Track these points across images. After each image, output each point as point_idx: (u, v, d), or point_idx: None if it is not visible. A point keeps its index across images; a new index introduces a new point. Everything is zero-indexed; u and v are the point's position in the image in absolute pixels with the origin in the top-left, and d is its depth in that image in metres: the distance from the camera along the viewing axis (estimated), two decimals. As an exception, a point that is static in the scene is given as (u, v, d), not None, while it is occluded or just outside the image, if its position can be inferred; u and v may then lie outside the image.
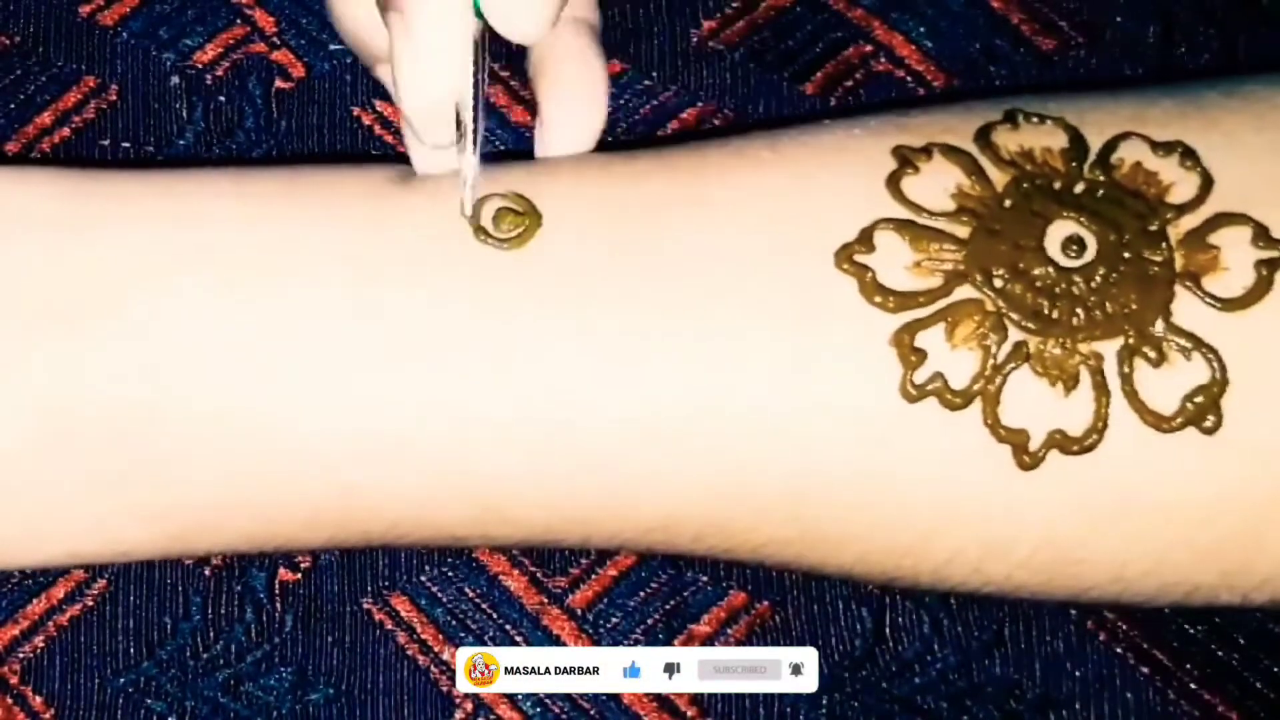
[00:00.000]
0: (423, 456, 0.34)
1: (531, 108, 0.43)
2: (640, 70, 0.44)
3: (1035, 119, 0.35)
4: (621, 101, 0.44)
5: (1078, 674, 0.39)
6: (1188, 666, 0.39)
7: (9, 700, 0.38)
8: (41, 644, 0.39)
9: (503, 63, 0.44)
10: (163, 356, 0.33)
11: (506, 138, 0.43)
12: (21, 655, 0.39)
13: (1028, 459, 0.33)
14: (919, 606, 0.39)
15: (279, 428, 0.34)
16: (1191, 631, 0.39)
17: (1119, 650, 0.39)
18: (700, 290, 0.34)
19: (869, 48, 0.44)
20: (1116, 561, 0.35)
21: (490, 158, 0.43)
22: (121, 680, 0.39)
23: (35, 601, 0.39)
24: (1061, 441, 0.33)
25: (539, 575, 0.40)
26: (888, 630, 0.39)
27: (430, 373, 0.34)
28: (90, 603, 0.39)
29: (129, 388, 0.33)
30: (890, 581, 0.36)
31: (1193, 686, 0.39)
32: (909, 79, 0.44)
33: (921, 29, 0.44)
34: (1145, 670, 0.39)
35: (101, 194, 0.35)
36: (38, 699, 0.39)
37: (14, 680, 0.39)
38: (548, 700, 0.39)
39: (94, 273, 0.34)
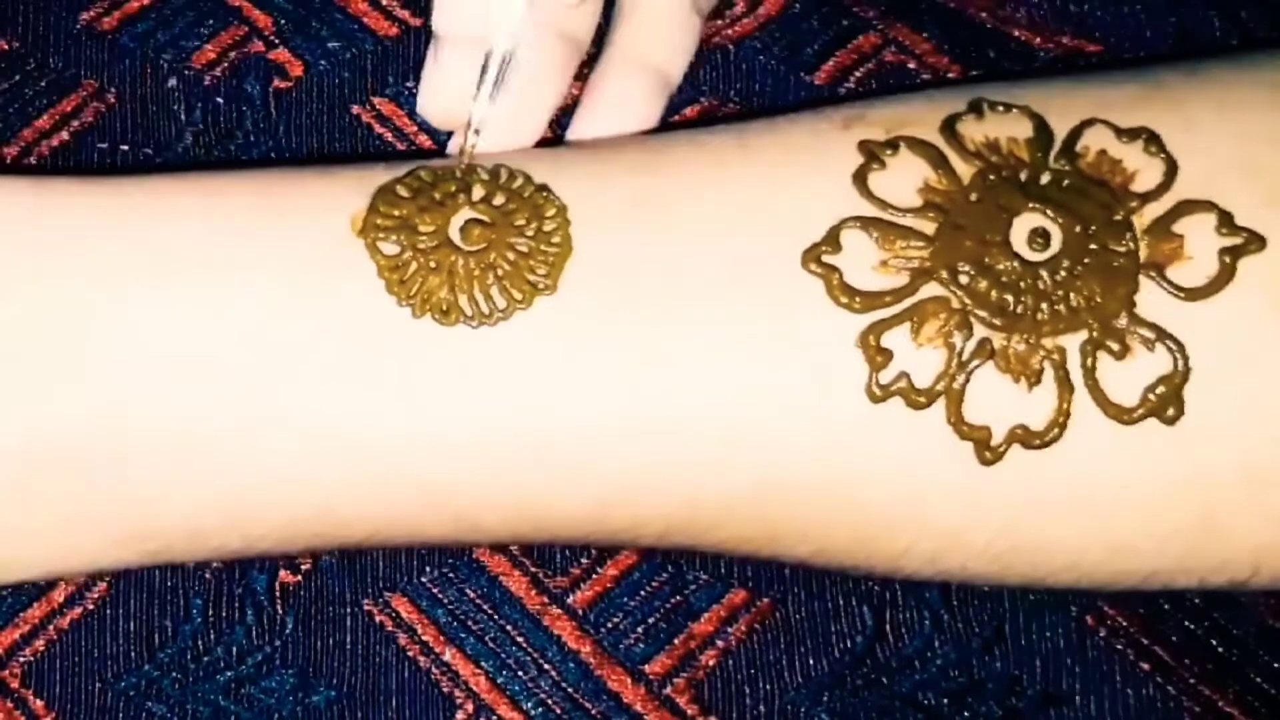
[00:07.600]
0: (397, 473, 0.34)
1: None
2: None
3: (1000, 108, 0.35)
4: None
5: (1078, 670, 0.39)
6: (1188, 662, 0.39)
7: (10, 704, 0.38)
8: (42, 647, 0.39)
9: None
10: (127, 382, 0.33)
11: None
12: (22, 659, 0.39)
13: (989, 455, 0.33)
14: (920, 603, 0.39)
15: (248, 450, 0.33)
16: (1192, 627, 0.39)
17: (1119, 646, 0.39)
18: (666, 295, 0.34)
19: (878, 38, 0.44)
20: (1074, 551, 0.35)
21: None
22: (122, 683, 0.39)
23: (35, 605, 0.39)
24: (1023, 436, 0.33)
25: (540, 575, 0.40)
26: (889, 627, 0.39)
27: (400, 388, 0.33)
28: (91, 606, 0.39)
29: (94, 415, 0.33)
30: (845, 570, 0.37)
31: (1193, 682, 0.39)
32: (921, 70, 0.44)
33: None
34: (1145, 666, 0.39)
35: (63, 209, 0.34)
36: (39, 702, 0.39)
37: (15, 684, 0.39)
38: (549, 700, 0.39)
39: (55, 295, 0.33)
